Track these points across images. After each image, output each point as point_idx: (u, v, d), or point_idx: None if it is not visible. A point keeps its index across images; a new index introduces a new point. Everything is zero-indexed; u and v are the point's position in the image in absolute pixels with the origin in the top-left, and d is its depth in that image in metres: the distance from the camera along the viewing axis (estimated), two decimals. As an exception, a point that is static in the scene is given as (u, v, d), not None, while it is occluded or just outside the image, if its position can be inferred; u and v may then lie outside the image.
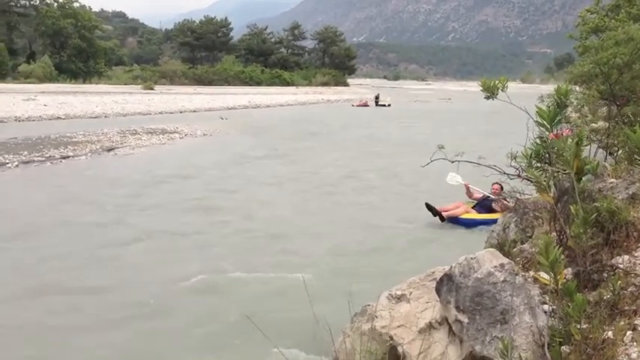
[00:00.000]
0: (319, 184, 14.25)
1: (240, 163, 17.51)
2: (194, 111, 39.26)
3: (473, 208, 10.46)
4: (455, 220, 10.13)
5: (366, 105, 51.25)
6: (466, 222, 10.09)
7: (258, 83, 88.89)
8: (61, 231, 9.62)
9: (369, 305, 4.37)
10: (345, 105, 52.71)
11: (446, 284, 3.56)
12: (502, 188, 9.76)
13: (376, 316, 4.09)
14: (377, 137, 26.06)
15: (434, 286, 3.86)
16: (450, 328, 3.56)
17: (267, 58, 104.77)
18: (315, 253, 8.43)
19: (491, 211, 10.12)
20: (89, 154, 18.61)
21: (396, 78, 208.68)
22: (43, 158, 17.29)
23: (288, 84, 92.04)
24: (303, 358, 4.97)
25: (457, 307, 3.42)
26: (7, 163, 16.14)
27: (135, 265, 7.94)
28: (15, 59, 75.13)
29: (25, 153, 17.91)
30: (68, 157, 17.84)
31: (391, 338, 3.79)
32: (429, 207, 10.25)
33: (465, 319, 3.34)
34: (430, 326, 3.71)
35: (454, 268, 3.53)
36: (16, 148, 19.10)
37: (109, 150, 19.63)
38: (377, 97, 54.98)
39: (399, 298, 4.07)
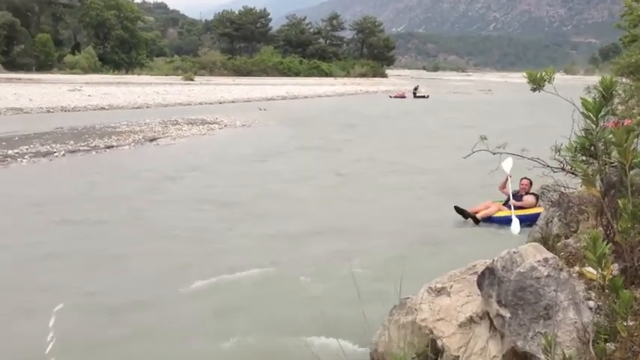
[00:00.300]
0: (357, 176, 14.22)
1: (280, 155, 17.61)
2: (233, 102, 39.61)
3: (504, 205, 10.00)
4: (489, 220, 9.76)
5: (403, 96, 50.80)
6: (500, 220, 9.68)
7: (297, 74, 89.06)
8: (103, 218, 9.86)
9: (408, 298, 4.37)
10: (383, 96, 52.37)
11: (488, 278, 3.53)
12: (531, 183, 9.52)
13: (416, 309, 4.09)
14: (416, 129, 25.86)
15: (475, 279, 3.83)
16: (491, 322, 3.53)
17: (306, 49, 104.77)
18: (354, 246, 8.43)
19: (521, 207, 9.76)
20: (132, 144, 18.99)
21: (435, 69, 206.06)
22: (89, 148, 17.73)
23: (326, 75, 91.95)
24: (342, 350, 4.99)
25: (499, 302, 3.39)
26: (55, 152, 16.61)
27: (176, 254, 8.09)
28: (60, 50, 77.03)
29: (72, 142, 18.39)
30: (112, 146, 18.25)
31: (431, 332, 3.78)
32: (459, 210, 9.79)
33: (506, 313, 3.31)
34: (471, 320, 3.69)
35: (496, 261, 3.49)
36: (63, 137, 19.63)
37: (151, 140, 19.99)
38: (416, 89, 54.45)
39: (439, 292, 4.05)
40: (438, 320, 3.80)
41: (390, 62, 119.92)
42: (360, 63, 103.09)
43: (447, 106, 40.81)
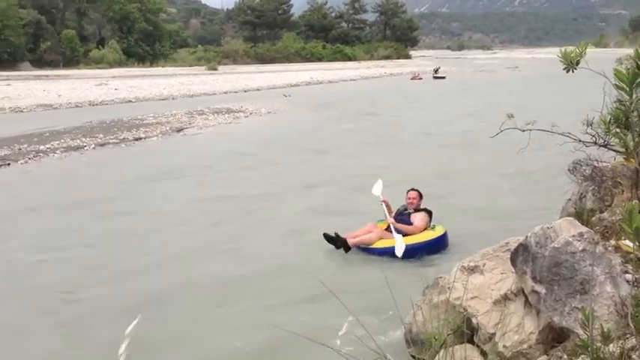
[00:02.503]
0: (385, 158, 14.14)
1: (306, 141, 17.61)
2: (257, 89, 39.67)
3: (387, 229, 7.66)
4: (366, 250, 7.44)
5: (420, 78, 50.24)
6: (381, 252, 7.31)
7: (320, 59, 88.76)
8: (133, 208, 10.02)
9: (441, 277, 4.35)
10: (408, 78, 51.94)
11: (521, 254, 3.49)
12: (421, 196, 7.80)
13: (449, 288, 4.08)
14: (441, 109, 25.63)
15: (508, 256, 3.80)
16: (526, 299, 3.50)
17: (328, 34, 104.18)
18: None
19: (410, 233, 7.47)
20: (160, 135, 19.18)
21: (460, 48, 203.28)
22: (117, 140, 17.96)
23: (349, 59, 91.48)
24: (376, 330, 5.00)
25: (534, 278, 3.36)
26: (85, 146, 16.88)
27: (213, 236, 8.19)
28: (86, 45, 77.99)
29: (101, 136, 18.65)
30: (140, 138, 18.46)
31: (465, 310, 3.77)
32: (329, 238, 7.48)
33: (542, 289, 3.28)
34: (505, 297, 3.67)
35: (530, 238, 3.46)
36: (92, 131, 19.92)
37: (178, 131, 20.17)
38: (436, 70, 53.82)
39: (473, 270, 4.03)
40: (472, 298, 3.78)
41: (413, 43, 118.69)
42: (384, 45, 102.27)
43: (472, 85, 40.26)
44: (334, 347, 4.90)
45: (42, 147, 16.51)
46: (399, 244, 7.11)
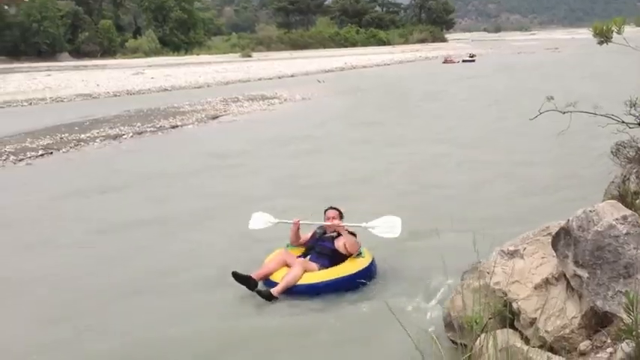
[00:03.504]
0: (417, 146, 13.99)
1: (343, 125, 17.60)
2: (292, 76, 39.70)
3: (305, 255, 6.11)
4: (291, 291, 5.64)
5: (452, 61, 49.53)
6: (309, 289, 5.66)
7: (354, 44, 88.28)
8: (173, 192, 10.19)
9: (479, 262, 4.31)
10: (442, 62, 51.31)
11: (563, 238, 3.44)
12: (341, 214, 6.23)
13: (488, 273, 4.04)
14: (478, 91, 25.25)
15: (549, 241, 3.74)
16: (568, 283, 3.45)
17: (362, 18, 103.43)
18: (421, 213, 8.37)
19: (337, 257, 5.95)
20: (196, 122, 19.40)
21: (497, 30, 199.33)
22: (155, 128, 18.23)
23: (384, 43, 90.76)
24: (416, 316, 5.00)
25: (576, 262, 3.30)
26: (123, 134, 17.18)
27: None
28: (122, 35, 79.26)
29: (138, 124, 18.96)
30: (177, 126, 18.69)
31: (505, 294, 3.73)
32: (238, 277, 5.67)
33: (584, 273, 3.22)
34: (546, 282, 3.62)
35: (571, 221, 3.39)
36: (130, 119, 20.26)
37: (214, 118, 20.35)
38: (471, 56, 52.96)
39: (512, 254, 3.98)
40: (513, 283, 3.74)
41: (449, 26, 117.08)
42: (419, 29, 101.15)
43: (510, 68, 39.52)
44: (380, 330, 4.98)
45: (82, 136, 16.87)
46: (391, 224, 5.98)
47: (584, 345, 3.21)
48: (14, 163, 13.54)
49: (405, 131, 15.92)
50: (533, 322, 3.46)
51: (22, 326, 5.42)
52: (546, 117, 5.80)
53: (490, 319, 3.29)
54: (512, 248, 4.03)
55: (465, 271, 4.50)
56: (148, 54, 71.79)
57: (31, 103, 26.41)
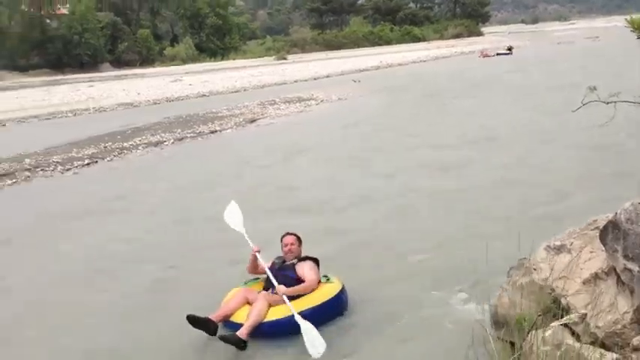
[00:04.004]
0: (455, 144, 13.81)
1: (377, 126, 17.55)
2: (327, 76, 39.74)
3: (266, 289, 5.36)
4: (256, 332, 4.91)
5: (489, 55, 48.72)
6: (274, 328, 4.96)
7: (388, 42, 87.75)
8: (207, 199, 10.34)
9: (525, 259, 4.26)
10: (478, 56, 50.60)
11: (611, 232, 3.37)
12: (300, 240, 5.62)
13: (534, 269, 3.99)
14: (515, 85, 24.81)
15: (596, 235, 3.68)
16: (619, 277, 3.37)
17: (396, 16, 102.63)
18: (461, 211, 8.31)
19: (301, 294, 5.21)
20: (234, 127, 19.63)
21: (535, 21, 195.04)
22: (194, 134, 18.52)
23: (419, 40, 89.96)
24: (462, 314, 4.97)
25: (625, 256, 3.23)
26: (164, 141, 17.51)
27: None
28: (160, 44, 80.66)
29: (179, 130, 19.29)
30: (216, 131, 18.95)
31: (553, 290, 3.67)
32: (195, 320, 4.98)
33: (635, 267, 3.15)
34: (596, 277, 3.55)
35: (619, 214, 3.33)
36: (170, 126, 20.64)
37: (252, 122, 20.56)
38: (509, 48, 51.99)
39: (559, 249, 3.92)
40: (560, 278, 3.68)
41: (485, 19, 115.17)
42: (454, 24, 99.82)
43: (550, 59, 38.72)
44: (429, 330, 4.97)
45: (125, 144, 17.26)
46: (309, 334, 4.70)
47: (637, 340, 3.14)
48: (62, 173, 13.98)
49: (441, 129, 15.74)
50: (583, 317, 3.40)
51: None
52: (588, 109, 5.67)
53: (539, 315, 3.25)
54: (558, 243, 3.97)
55: (511, 267, 4.45)
56: (185, 61, 72.90)
57: (75, 114, 27.15)
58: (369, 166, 11.87)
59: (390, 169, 11.38)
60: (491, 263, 4.32)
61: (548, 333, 3.13)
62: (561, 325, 3.30)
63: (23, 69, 67.53)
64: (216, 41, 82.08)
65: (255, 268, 5.56)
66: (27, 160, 15.33)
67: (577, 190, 8.79)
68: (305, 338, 4.64)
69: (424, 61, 50.07)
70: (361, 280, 5.92)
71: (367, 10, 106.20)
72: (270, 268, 5.39)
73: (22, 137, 20.29)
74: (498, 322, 4.10)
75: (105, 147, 16.99)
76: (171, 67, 67.00)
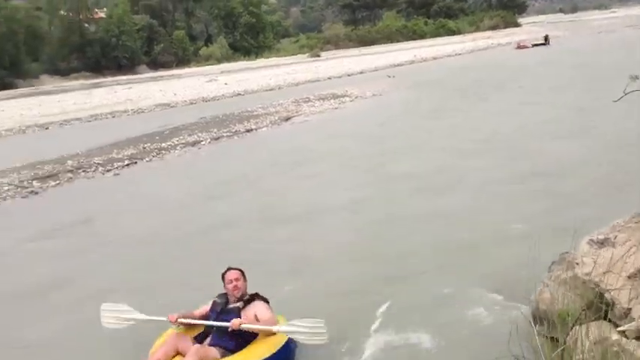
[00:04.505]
0: (498, 138, 13.64)
1: (413, 121, 17.46)
2: (361, 72, 39.59)
3: (203, 336, 4.70)
4: None
5: (525, 46, 47.71)
6: None
7: (422, 36, 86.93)
8: (245, 195, 10.46)
9: (567, 253, 4.19)
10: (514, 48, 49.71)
11: (657, 225, 3.28)
12: (244, 275, 4.79)
13: (577, 264, 3.91)
14: (553, 76, 24.32)
15: (641, 228, 3.58)
16: (666, 271, 3.29)
17: (430, 9, 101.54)
18: (503, 207, 8.21)
19: (244, 336, 4.48)
20: (269, 125, 19.75)
21: (574, 10, 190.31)
22: (231, 133, 18.70)
23: (454, 33, 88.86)
24: (502, 309, 4.91)
25: (673, 250, 3.14)
26: (202, 140, 17.74)
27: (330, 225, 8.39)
28: (195, 44, 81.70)
29: (215, 130, 19.50)
30: (251, 130, 19.10)
31: (597, 285, 3.60)
32: None
33: (683, 261, 3.06)
34: (641, 271, 3.46)
35: (666, 207, 3.24)
36: (207, 126, 20.88)
37: (287, 120, 20.64)
38: (545, 38, 50.85)
39: (602, 243, 3.84)
40: (604, 273, 3.60)
41: (521, 10, 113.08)
42: (489, 15, 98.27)
43: (592, 48, 37.80)
44: (471, 326, 4.93)
45: (163, 144, 17.54)
46: (315, 329, 4.38)
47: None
48: (103, 174, 14.30)
49: (477, 124, 15.56)
50: (627, 312, 3.32)
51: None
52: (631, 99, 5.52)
53: (583, 310, 3.19)
54: (601, 237, 3.89)
55: (553, 262, 4.38)
56: (220, 60, 73.65)
57: (114, 116, 27.73)
58: (403, 164, 11.78)
59: (428, 167, 11.24)
60: (532, 258, 4.26)
61: (592, 328, 3.07)
62: (605, 320, 3.23)
63: (64, 73, 69.29)
64: (250, 40, 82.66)
65: (192, 316, 4.69)
66: (69, 162, 15.73)
67: (619, 181, 8.57)
68: (300, 338, 4.39)
69: (459, 54, 49.42)
70: (409, 279, 5.95)
71: (401, 4, 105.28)
72: (211, 310, 4.65)
73: (64, 139, 20.81)
74: (539, 317, 4.04)
75: (144, 147, 17.29)
76: (206, 66, 67.78)
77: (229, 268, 4.80)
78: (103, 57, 71.93)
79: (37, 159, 16.42)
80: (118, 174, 14.25)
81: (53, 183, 13.55)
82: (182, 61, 76.09)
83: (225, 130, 19.22)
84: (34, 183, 13.56)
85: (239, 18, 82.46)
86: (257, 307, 4.59)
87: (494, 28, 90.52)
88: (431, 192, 9.37)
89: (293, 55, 75.72)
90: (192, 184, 12.09)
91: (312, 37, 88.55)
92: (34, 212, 11.39)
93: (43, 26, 71.44)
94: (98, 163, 15.32)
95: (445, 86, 25.73)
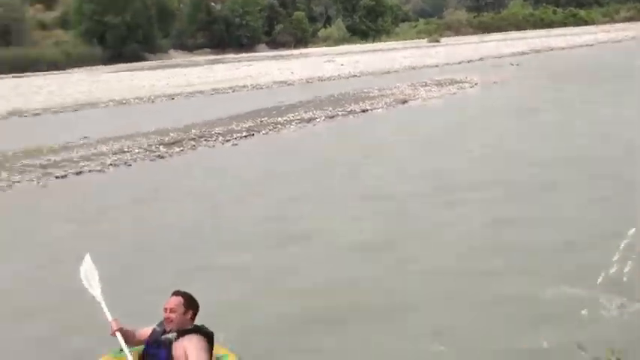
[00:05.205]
0: (621, 134, 12.61)
1: (532, 111, 16.62)
2: (481, 59, 38.34)
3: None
4: None
5: None
6: None
7: (550, 25, 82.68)
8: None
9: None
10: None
11: None
12: (190, 306, 3.88)
13: None
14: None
15: None
16: None
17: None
18: (606, 209, 7.59)
19: None
20: (385, 106, 19.64)
21: None
22: (345, 112, 18.79)
23: (585, 23, 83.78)
24: (615, 316, 4.59)
25: None
26: (317, 117, 17.98)
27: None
28: (314, 25, 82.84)
29: (330, 108, 19.67)
30: (366, 110, 19.08)
31: None
32: None
33: None
34: None
35: None
36: (322, 104, 21.12)
37: (403, 102, 20.41)
38: None
39: None
40: None
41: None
42: (626, 7, 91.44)
43: None
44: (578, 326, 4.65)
45: (280, 119, 17.95)
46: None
47: None
48: (222, 144, 14.90)
49: (604, 119, 14.40)
50: None
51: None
52: None
53: None
54: None
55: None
56: (337, 42, 74.22)
57: (234, 90, 28.81)
58: (526, 154, 11.24)
59: (545, 159, 10.64)
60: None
61: None
62: None
63: (190, 48, 72.89)
64: (369, 23, 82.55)
65: (132, 336, 3.99)
66: (193, 131, 16.52)
67: None
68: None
69: (590, 45, 46.45)
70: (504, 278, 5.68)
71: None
72: (151, 336, 3.93)
73: (188, 110, 21.89)
74: None
75: (261, 121, 17.79)
76: (324, 47, 68.50)
77: (175, 292, 3.93)
78: (226, 35, 74.75)
79: (164, 126, 17.41)
80: (236, 144, 14.77)
81: (178, 149, 14.28)
82: (300, 42, 77.47)
83: (340, 109, 19.34)
84: (161, 148, 14.38)
85: (359, 1, 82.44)
86: (190, 343, 3.76)
87: (630, 19, 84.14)
88: (527, 188, 8.81)
89: (411, 39, 74.71)
90: (304, 158, 12.34)
91: (431, 23, 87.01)
92: (161, 173, 12.22)
93: (172, 3, 75.29)
94: (219, 133, 15.96)
95: (573, 78, 24.27)
